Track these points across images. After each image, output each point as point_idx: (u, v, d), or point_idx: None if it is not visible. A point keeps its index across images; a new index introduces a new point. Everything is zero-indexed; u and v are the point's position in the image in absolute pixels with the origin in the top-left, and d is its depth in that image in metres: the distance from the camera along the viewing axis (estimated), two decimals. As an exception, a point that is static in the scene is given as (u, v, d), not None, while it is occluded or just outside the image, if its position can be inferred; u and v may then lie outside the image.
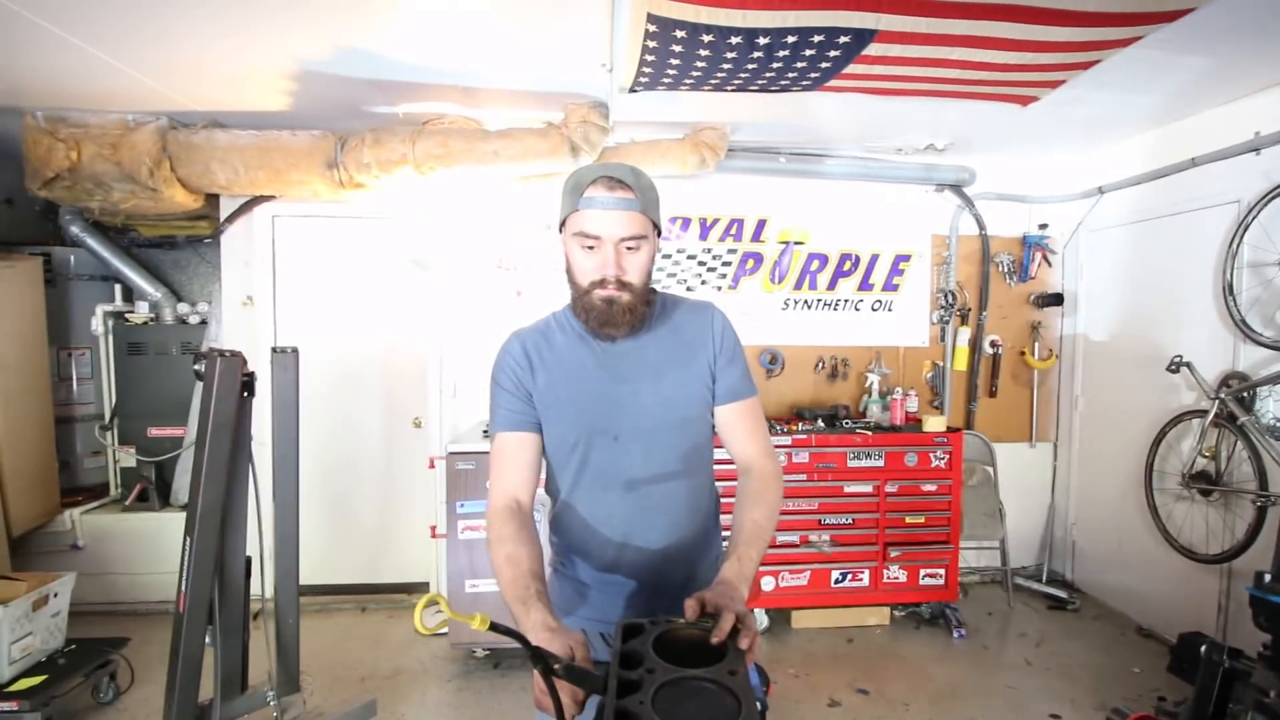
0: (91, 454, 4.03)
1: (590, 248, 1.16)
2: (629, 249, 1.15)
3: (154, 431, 3.89)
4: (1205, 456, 3.16)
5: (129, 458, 3.93)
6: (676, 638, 0.92)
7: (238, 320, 3.74)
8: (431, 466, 3.42)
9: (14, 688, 2.46)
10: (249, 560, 2.30)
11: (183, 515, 3.64)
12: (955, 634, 3.44)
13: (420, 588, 3.86)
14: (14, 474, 3.36)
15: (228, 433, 2.01)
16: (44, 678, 2.53)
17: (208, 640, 2.24)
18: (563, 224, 1.21)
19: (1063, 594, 3.88)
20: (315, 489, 3.56)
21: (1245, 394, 2.97)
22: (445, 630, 3.23)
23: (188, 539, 2.04)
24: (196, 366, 1.98)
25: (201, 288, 4.13)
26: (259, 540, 2.33)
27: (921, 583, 3.47)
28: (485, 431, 1.31)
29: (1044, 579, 4.10)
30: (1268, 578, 0.97)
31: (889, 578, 3.44)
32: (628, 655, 0.87)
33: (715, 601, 0.94)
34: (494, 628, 0.73)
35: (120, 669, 2.89)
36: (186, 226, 3.87)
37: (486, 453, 2.88)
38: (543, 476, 1.34)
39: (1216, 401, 3.04)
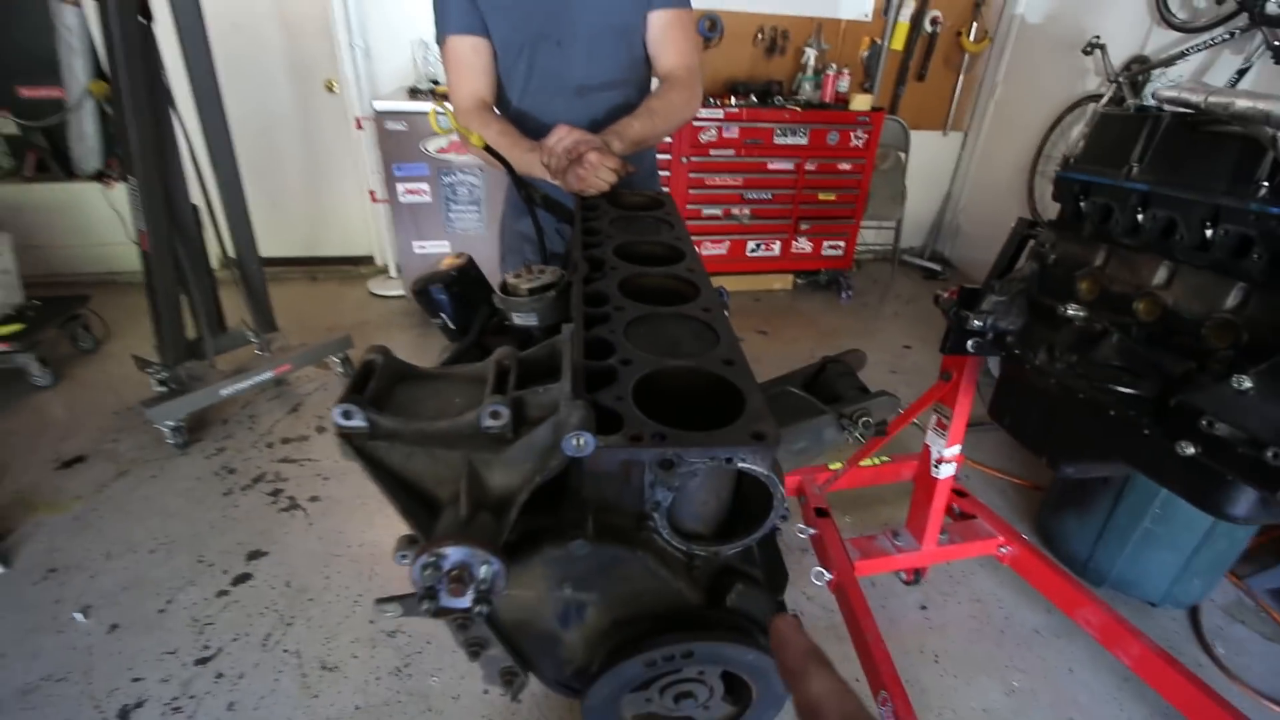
0: (-45, 123, 3.61)
1: None
2: None
3: (26, 92, 3.47)
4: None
5: (7, 123, 3.56)
6: (624, 200, 1.15)
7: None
8: (359, 127, 3.31)
9: (-6, 333, 2.63)
10: (196, 209, 2.36)
11: (93, 186, 3.53)
12: (844, 295, 4.08)
13: (365, 260, 4.06)
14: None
15: (139, 61, 1.89)
16: (21, 325, 2.70)
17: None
18: None
19: (937, 267, 4.56)
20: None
21: (1140, 77, 3.21)
22: (401, 293, 3.54)
23: (130, 179, 2.05)
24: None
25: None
26: (201, 190, 2.35)
27: (824, 253, 3.97)
28: (436, 37, 1.31)
29: (926, 256, 4.74)
30: (1071, 161, 1.26)
31: (796, 248, 3.90)
32: (588, 205, 1.11)
33: (580, 137, 1.11)
34: (488, 149, 0.91)
35: (92, 323, 3.08)
36: None
37: (417, 113, 2.88)
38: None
39: (1114, 85, 3.28)
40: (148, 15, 1.94)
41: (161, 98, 2.07)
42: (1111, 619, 1.65)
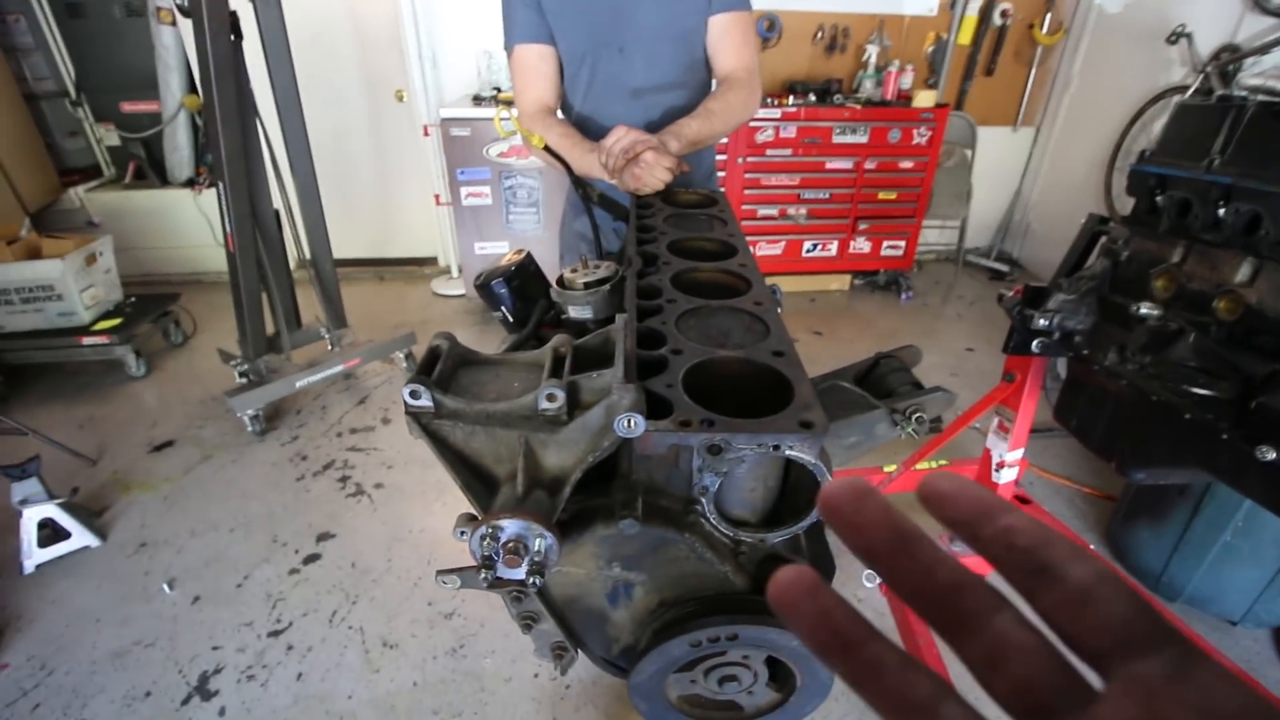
0: (69, 134, 3.96)
1: None
2: None
3: (128, 106, 3.78)
4: (1173, 133, 3.32)
5: (111, 135, 3.88)
6: (678, 198, 1.18)
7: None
8: (426, 134, 3.45)
9: (98, 327, 2.86)
10: (278, 213, 2.51)
11: (185, 192, 3.79)
12: (903, 296, 3.97)
13: (429, 261, 4.22)
14: (7, 152, 3.39)
15: (230, 76, 2.03)
16: (120, 320, 2.94)
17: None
18: None
19: (1004, 268, 4.38)
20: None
21: (1231, 67, 3.00)
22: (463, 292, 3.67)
23: (219, 185, 2.21)
24: (180, 1, 1.91)
25: (124, -69, 3.60)
26: (281, 194, 2.50)
27: (883, 253, 3.87)
28: (504, 44, 1.35)
29: (993, 256, 4.56)
30: (1147, 154, 1.20)
31: (854, 248, 3.82)
32: (643, 203, 1.13)
33: (637, 137, 1.13)
34: (548, 149, 0.95)
35: (182, 319, 3.32)
36: None
37: (481, 119, 2.98)
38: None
39: (1202, 75, 3.08)
40: (238, 34, 2.09)
41: (248, 110, 2.22)
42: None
